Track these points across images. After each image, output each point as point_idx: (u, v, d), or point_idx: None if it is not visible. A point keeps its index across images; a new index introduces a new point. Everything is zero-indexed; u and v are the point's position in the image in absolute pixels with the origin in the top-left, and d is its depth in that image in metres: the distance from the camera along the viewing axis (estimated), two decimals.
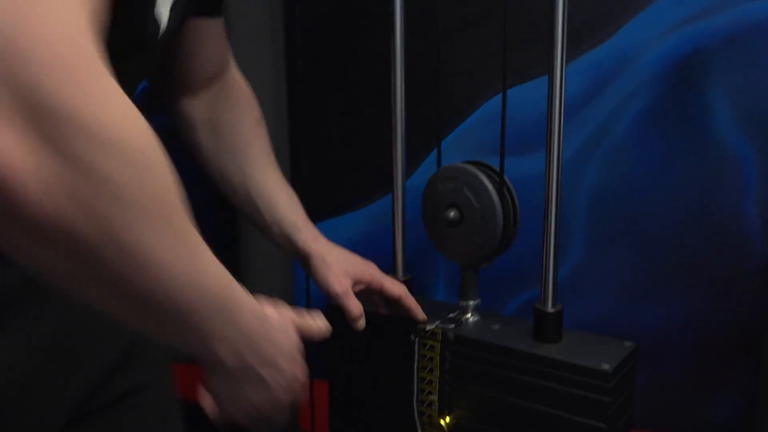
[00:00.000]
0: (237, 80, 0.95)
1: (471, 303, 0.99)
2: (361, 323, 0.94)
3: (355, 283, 0.94)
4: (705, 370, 1.19)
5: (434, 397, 0.98)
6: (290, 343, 0.66)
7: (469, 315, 0.99)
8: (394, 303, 1.00)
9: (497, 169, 0.93)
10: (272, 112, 1.31)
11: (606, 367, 0.86)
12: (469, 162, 0.95)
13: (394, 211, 1.04)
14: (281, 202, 0.93)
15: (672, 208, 1.18)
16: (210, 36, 0.88)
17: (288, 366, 0.65)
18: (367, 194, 1.39)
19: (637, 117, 1.18)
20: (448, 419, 0.98)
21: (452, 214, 0.94)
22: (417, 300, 1.06)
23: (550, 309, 0.92)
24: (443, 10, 1.02)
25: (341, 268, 0.93)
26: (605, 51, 1.18)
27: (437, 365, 0.97)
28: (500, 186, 0.92)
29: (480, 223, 0.93)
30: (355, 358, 1.07)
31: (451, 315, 0.99)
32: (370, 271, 0.97)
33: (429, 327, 0.96)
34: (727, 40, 1.11)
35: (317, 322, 0.72)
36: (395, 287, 0.98)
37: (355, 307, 0.92)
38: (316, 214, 1.38)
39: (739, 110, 1.12)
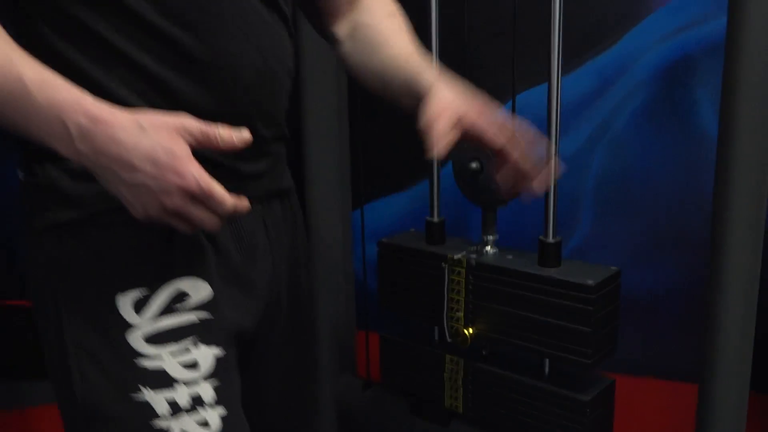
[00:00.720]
0: None
1: (490, 238, 1.18)
2: (432, 154, 0.76)
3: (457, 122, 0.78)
4: (694, 324, 1.29)
5: (460, 314, 1.17)
6: (149, 144, 0.62)
7: (488, 247, 1.18)
8: (489, 151, 0.83)
9: None
10: (335, 114, 1.55)
11: (590, 282, 1.04)
12: None
13: (431, 170, 1.24)
14: (411, 60, 0.89)
15: (665, 189, 1.30)
16: None
17: (149, 167, 0.62)
18: (412, 177, 1.55)
19: (635, 113, 1.31)
20: (471, 330, 1.16)
21: (474, 165, 1.13)
22: (453, 239, 1.23)
23: (550, 240, 1.11)
24: (472, 24, 1.20)
25: (459, 101, 0.80)
26: (609, 57, 1.33)
27: (463, 287, 1.16)
28: None
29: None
30: (399, 286, 1.25)
31: (474, 247, 1.19)
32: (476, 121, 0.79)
33: (456, 256, 1.17)
34: (711, 47, 1.23)
35: (220, 129, 0.65)
36: (497, 139, 0.79)
37: (438, 133, 0.76)
38: (370, 194, 1.60)
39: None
